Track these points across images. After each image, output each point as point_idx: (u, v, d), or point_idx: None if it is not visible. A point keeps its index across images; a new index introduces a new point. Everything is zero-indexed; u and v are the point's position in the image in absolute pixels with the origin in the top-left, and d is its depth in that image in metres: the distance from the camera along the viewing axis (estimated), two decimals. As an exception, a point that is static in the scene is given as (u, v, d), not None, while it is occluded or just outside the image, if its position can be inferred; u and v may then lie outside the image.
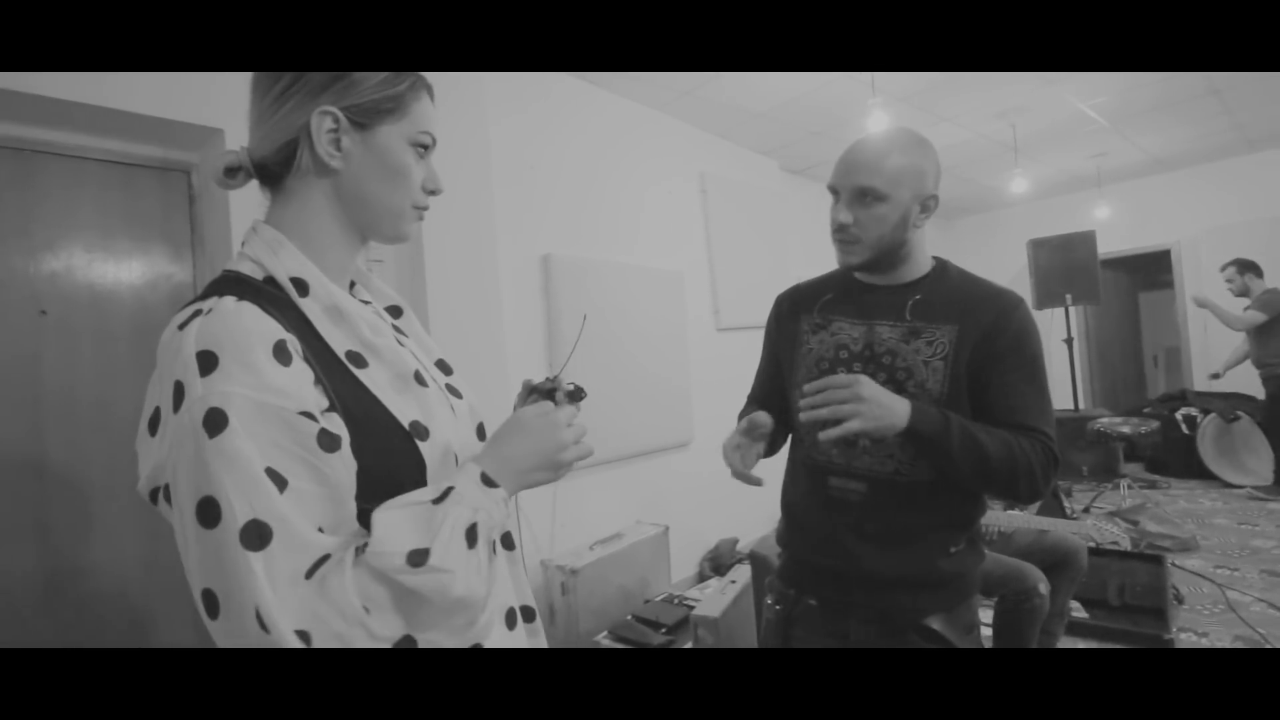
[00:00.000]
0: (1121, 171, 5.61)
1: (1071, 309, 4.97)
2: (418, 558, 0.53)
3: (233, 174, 0.66)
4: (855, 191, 1.03)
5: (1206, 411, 4.64)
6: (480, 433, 0.76)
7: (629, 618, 2.38)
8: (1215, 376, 4.62)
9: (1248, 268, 4.33)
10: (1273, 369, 4.13)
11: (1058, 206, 6.28)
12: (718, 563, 3.25)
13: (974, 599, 1.10)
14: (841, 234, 1.05)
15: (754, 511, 3.75)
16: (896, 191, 1.01)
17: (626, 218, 3.24)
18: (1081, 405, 5.51)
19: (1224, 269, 4.44)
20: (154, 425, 0.55)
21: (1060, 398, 5.91)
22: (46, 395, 1.68)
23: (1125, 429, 4.07)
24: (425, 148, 0.69)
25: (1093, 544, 2.46)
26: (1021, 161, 4.89)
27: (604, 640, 2.28)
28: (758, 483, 1.06)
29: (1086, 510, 3.96)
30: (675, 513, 3.16)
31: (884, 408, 0.89)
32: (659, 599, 2.59)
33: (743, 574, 2.23)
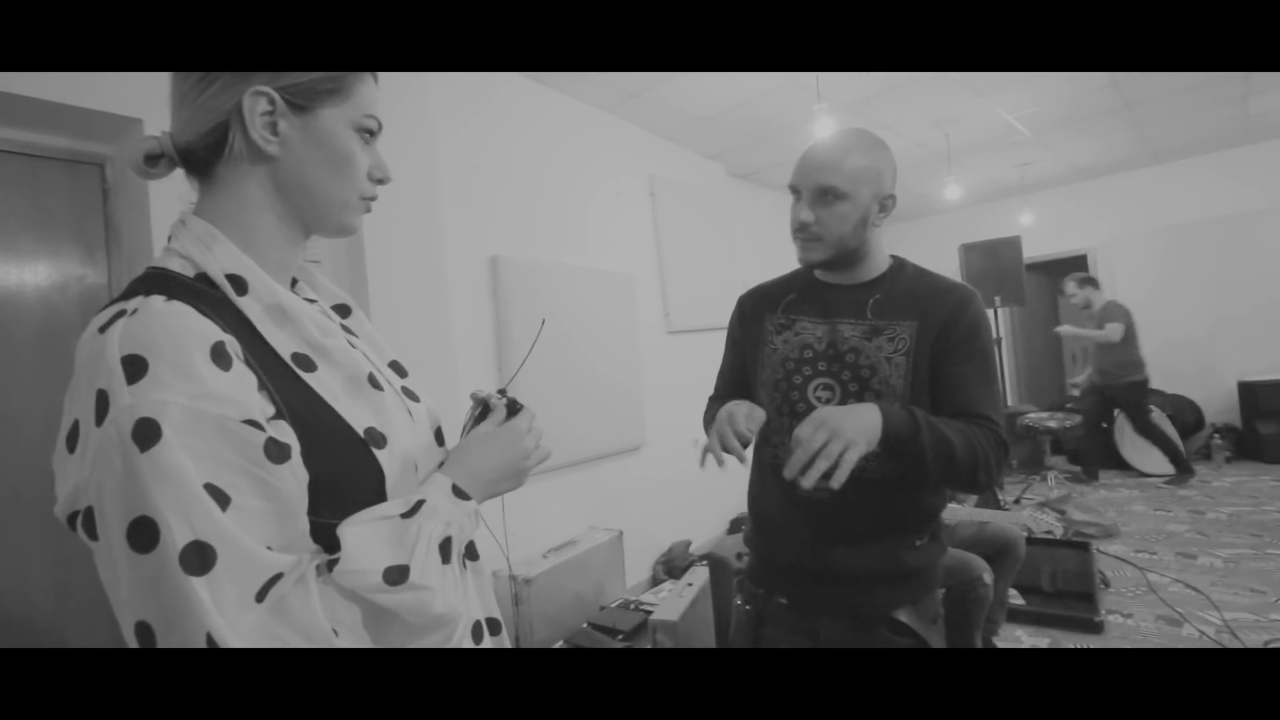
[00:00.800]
0: (1044, 180, 5.95)
1: (1000, 310, 5.23)
2: (395, 575, 0.52)
3: (153, 161, 0.59)
4: (817, 190, 1.04)
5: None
6: (439, 437, 0.71)
7: (585, 625, 2.34)
8: (1075, 387, 5.00)
9: (1087, 281, 4.79)
10: (1116, 377, 4.52)
11: (986, 212, 6.61)
12: (671, 566, 3.24)
13: (938, 591, 1.12)
14: (803, 232, 1.06)
15: (707, 514, 3.76)
16: (857, 190, 1.03)
17: (576, 219, 3.20)
18: (1010, 402, 5.81)
19: (1065, 284, 4.87)
20: (72, 441, 0.49)
21: (991, 395, 6.27)
22: (-64, 410, 1.51)
23: (1051, 423, 4.30)
24: (371, 133, 0.63)
25: (1028, 533, 2.57)
26: (954, 169, 5.12)
27: (562, 649, 2.23)
28: (742, 458, 1.02)
29: (1017, 501, 4.17)
30: (629, 517, 3.14)
31: (858, 422, 0.88)
32: (615, 605, 2.56)
33: (699, 576, 2.23)
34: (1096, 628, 2.50)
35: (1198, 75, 3.69)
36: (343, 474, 0.55)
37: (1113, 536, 3.53)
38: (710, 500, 3.72)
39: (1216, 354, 5.38)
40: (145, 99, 1.73)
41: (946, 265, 6.40)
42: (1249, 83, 3.93)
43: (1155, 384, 5.28)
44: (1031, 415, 4.52)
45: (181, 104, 0.58)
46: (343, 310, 0.72)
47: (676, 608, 2.02)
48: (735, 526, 3.73)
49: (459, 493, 0.60)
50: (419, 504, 0.57)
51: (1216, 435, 5.03)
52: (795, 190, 1.08)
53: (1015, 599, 2.66)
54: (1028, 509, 3.76)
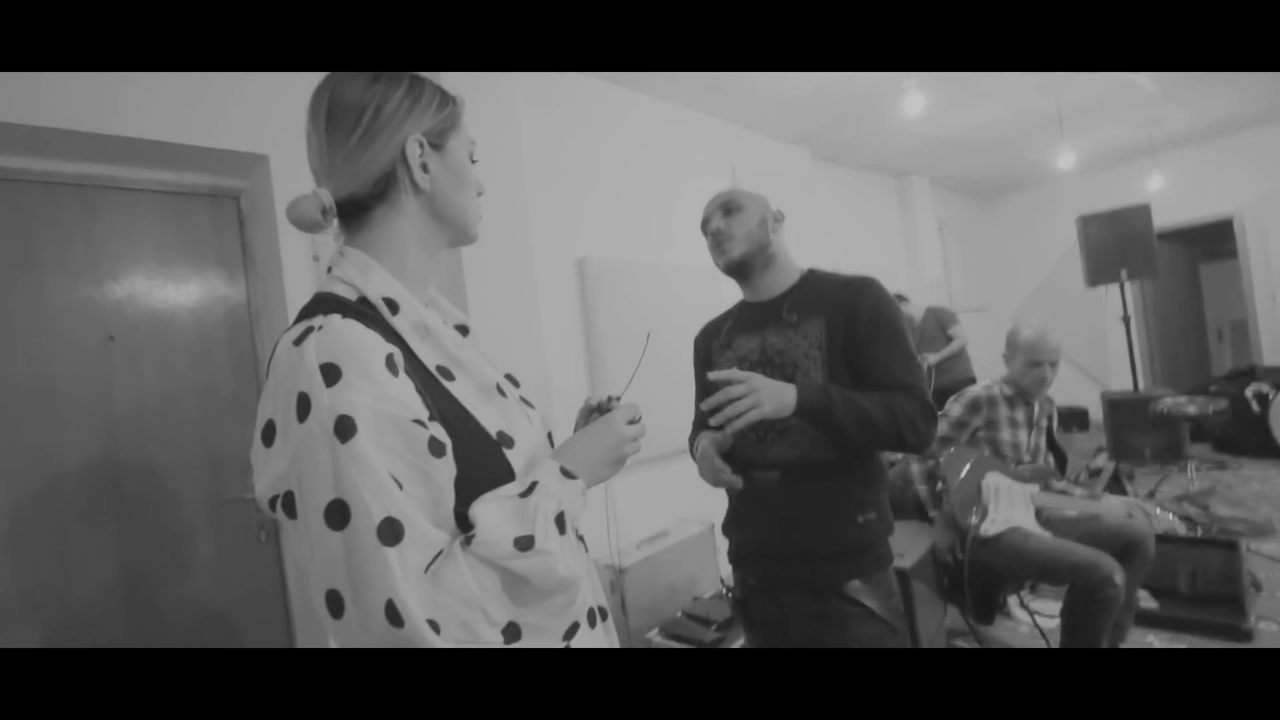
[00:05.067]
0: (1175, 139, 5.34)
1: (1127, 285, 4.76)
2: (524, 543, 0.59)
3: (327, 216, 0.66)
4: (722, 207, 1.31)
5: (1279, 387, 4.38)
6: (550, 440, 0.79)
7: (680, 614, 2.38)
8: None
9: (899, 299, 4.63)
10: (957, 375, 4.34)
11: (1107, 179, 6.02)
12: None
13: (890, 568, 1.22)
14: (719, 236, 1.29)
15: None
16: (750, 204, 1.30)
17: (659, 217, 3.23)
18: (1141, 385, 5.27)
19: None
20: (268, 437, 0.57)
21: (1119, 378, 5.73)
22: (117, 416, 1.77)
23: (1191, 409, 3.87)
24: (474, 154, 0.76)
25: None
26: (1068, 134, 4.70)
27: (656, 638, 2.29)
28: (739, 483, 1.19)
29: (1151, 495, 3.79)
30: (719, 509, 3.14)
31: (775, 392, 1.05)
32: (709, 595, 2.59)
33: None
34: (1244, 635, 2.25)
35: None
36: (481, 471, 0.62)
37: (1266, 535, 3.14)
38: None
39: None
40: (271, 137, 1.93)
41: (1062, 239, 5.93)
42: None
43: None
44: (1168, 400, 4.08)
45: (346, 162, 0.66)
46: (462, 330, 0.80)
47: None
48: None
49: (566, 473, 0.67)
50: (533, 485, 0.64)
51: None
52: (706, 220, 1.33)
53: (1147, 601, 2.44)
54: (1159, 502, 3.42)
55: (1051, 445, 2.34)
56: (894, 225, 5.63)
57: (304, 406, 0.55)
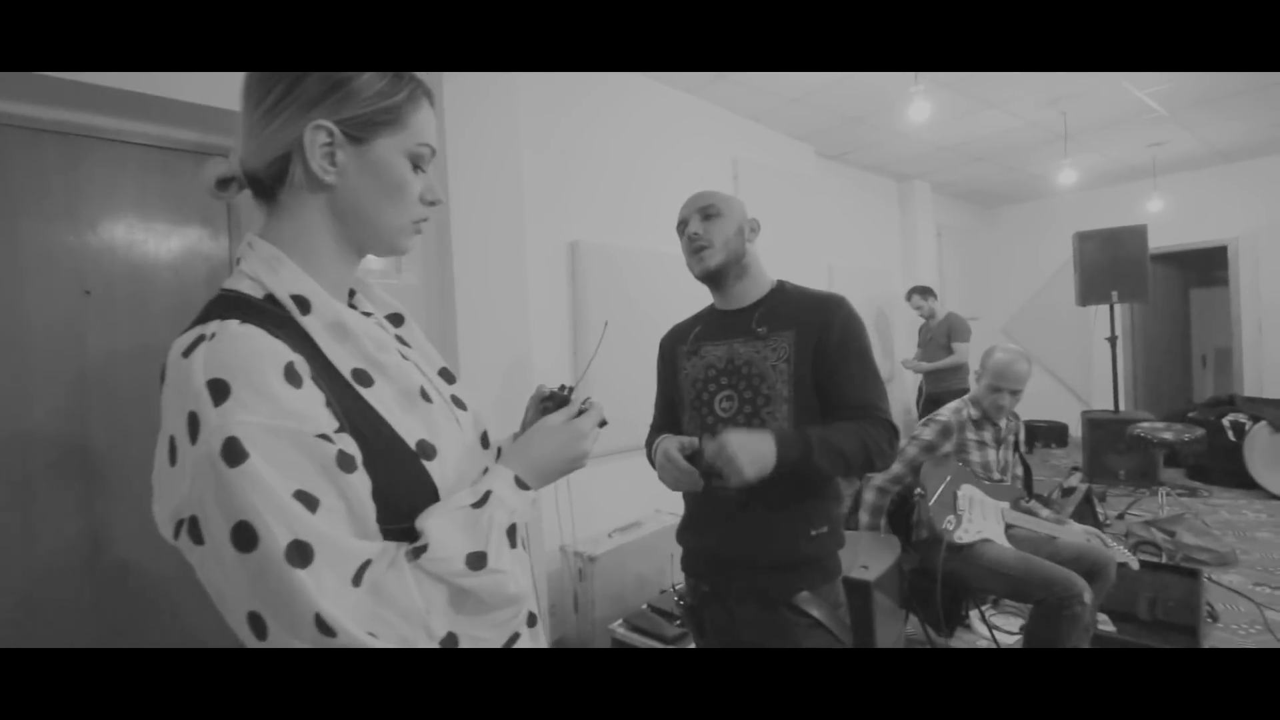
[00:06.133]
0: (1179, 162, 5.34)
1: (1117, 306, 4.79)
2: (476, 561, 0.57)
3: (225, 185, 0.63)
4: (700, 211, 1.30)
5: (1256, 418, 4.44)
6: (485, 440, 0.75)
7: (645, 607, 2.40)
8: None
9: (927, 292, 4.78)
10: (951, 385, 4.41)
11: (1108, 197, 6.03)
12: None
13: (839, 580, 1.25)
14: (696, 241, 1.28)
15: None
16: (729, 209, 1.30)
17: (657, 204, 3.20)
18: (1123, 407, 5.33)
19: (909, 297, 4.83)
20: (173, 455, 0.53)
21: (1101, 398, 5.77)
22: (90, 372, 1.74)
23: (1167, 435, 3.92)
24: (424, 159, 0.66)
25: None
26: (1072, 150, 4.69)
27: (618, 628, 2.31)
28: (700, 485, 1.19)
29: (1121, 517, 3.85)
30: (696, 502, 3.16)
31: (754, 454, 1.04)
32: (678, 587, 2.61)
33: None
34: (1197, 663, 2.29)
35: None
36: (396, 483, 0.59)
37: (1229, 565, 3.20)
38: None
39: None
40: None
41: (1058, 254, 5.94)
42: None
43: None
44: (1144, 424, 4.14)
45: (249, 135, 0.61)
46: (396, 320, 0.76)
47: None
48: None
49: (520, 484, 0.65)
50: (487, 494, 0.61)
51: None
52: (684, 222, 1.32)
53: (1105, 625, 2.49)
54: (1128, 525, 3.47)
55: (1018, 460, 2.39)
56: (893, 228, 5.62)
57: (194, 427, 0.50)
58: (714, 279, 1.31)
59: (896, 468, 2.23)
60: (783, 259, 3.94)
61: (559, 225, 2.78)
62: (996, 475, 2.24)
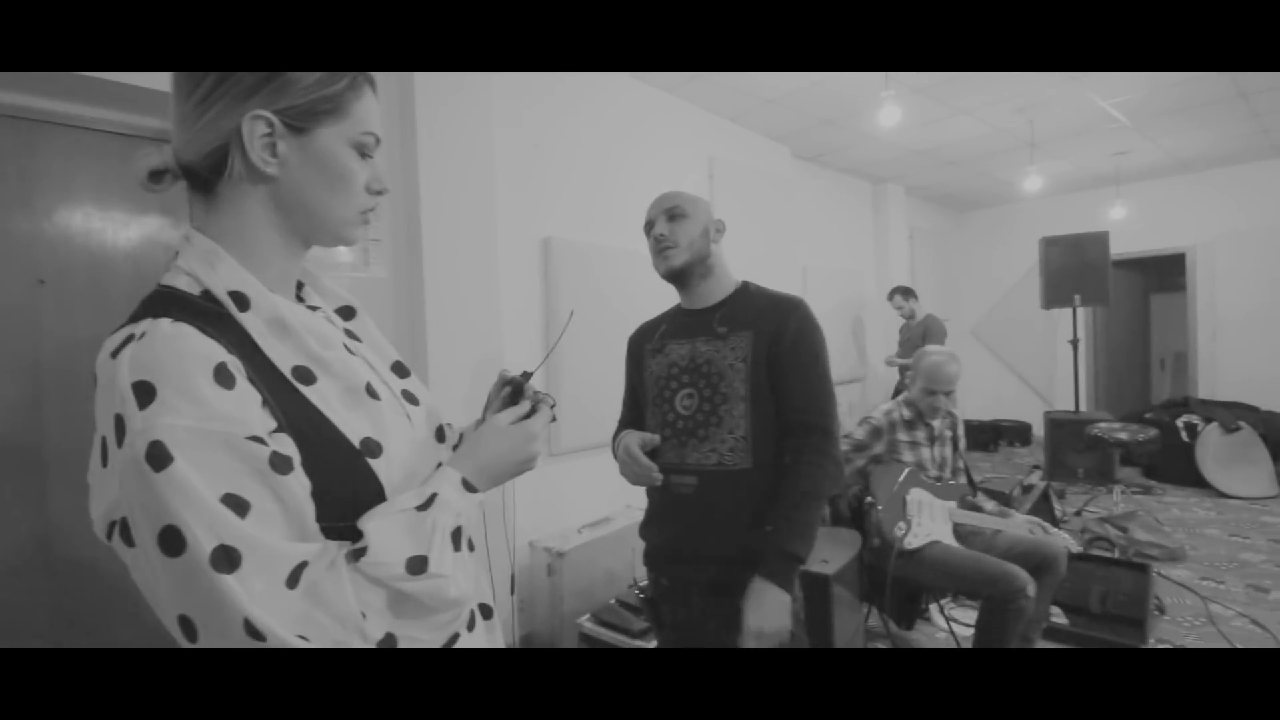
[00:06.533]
0: (1141, 171, 5.51)
1: (1080, 309, 4.93)
2: (417, 565, 0.57)
3: (158, 178, 0.61)
4: (667, 212, 1.32)
5: (1208, 420, 4.61)
6: (439, 435, 0.74)
7: (613, 602, 2.42)
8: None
9: (908, 293, 4.95)
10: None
11: (1073, 204, 6.19)
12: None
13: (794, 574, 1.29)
14: (662, 242, 1.31)
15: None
16: (695, 210, 1.33)
17: (632, 202, 3.20)
18: (1084, 407, 5.49)
19: (891, 297, 5.00)
20: (105, 456, 0.52)
21: (1062, 399, 5.94)
22: (45, 364, 1.70)
23: (1123, 435, 4.05)
24: (369, 148, 0.64)
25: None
26: (1039, 158, 4.81)
27: (585, 623, 2.32)
28: (659, 480, 1.25)
29: (1078, 513, 3.97)
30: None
31: (775, 621, 1.13)
32: (639, 581, 2.63)
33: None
34: (1143, 655, 2.38)
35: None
36: (340, 483, 0.58)
37: (1178, 560, 3.32)
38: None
39: (1327, 370, 4.91)
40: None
41: (1025, 258, 6.09)
42: (1394, 71, 3.50)
43: (1253, 399, 4.88)
44: (1102, 424, 4.27)
45: (182, 125, 0.59)
46: (346, 313, 0.74)
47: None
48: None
49: (468, 486, 0.64)
50: (432, 497, 0.60)
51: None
52: (650, 222, 1.35)
53: (1058, 617, 2.57)
54: (1085, 522, 3.58)
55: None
56: (866, 229, 5.70)
57: (120, 430, 0.50)
58: (679, 279, 1.34)
59: None
60: (758, 259, 3.99)
61: (532, 221, 2.77)
62: (934, 472, 2.31)
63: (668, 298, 1.46)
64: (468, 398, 2.27)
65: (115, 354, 0.52)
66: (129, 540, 0.52)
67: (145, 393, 0.49)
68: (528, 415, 0.74)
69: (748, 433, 1.23)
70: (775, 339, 1.23)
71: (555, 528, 2.68)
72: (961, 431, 2.46)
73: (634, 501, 3.06)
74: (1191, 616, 2.73)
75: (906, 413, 2.34)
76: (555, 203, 2.88)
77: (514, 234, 2.67)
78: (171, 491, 0.48)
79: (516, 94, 2.70)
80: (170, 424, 0.49)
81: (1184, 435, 4.66)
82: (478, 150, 2.39)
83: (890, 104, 2.99)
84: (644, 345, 1.42)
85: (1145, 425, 4.38)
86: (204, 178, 0.60)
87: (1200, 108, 4.02)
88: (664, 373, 1.34)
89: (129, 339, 0.52)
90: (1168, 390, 6.93)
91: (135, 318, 0.55)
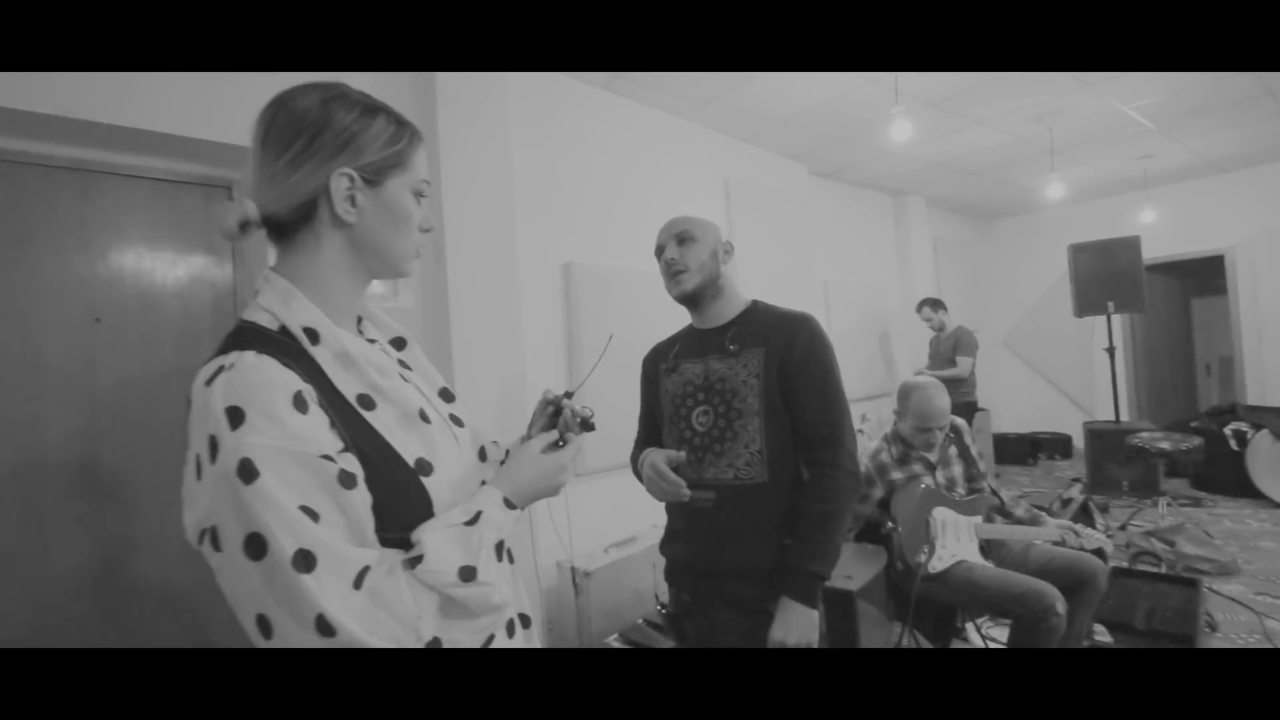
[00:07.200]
0: (1170, 174, 5.39)
1: (1115, 317, 4.81)
2: (468, 573, 0.64)
3: (245, 229, 0.68)
4: (676, 237, 1.38)
5: (1258, 427, 4.43)
6: (482, 455, 0.82)
7: (640, 621, 2.42)
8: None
9: (937, 305, 4.88)
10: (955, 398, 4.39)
11: (1101, 209, 6.07)
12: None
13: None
14: (673, 266, 1.36)
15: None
16: (704, 234, 1.37)
17: (650, 226, 3.27)
18: (1125, 417, 5.32)
19: (920, 309, 4.94)
20: (198, 472, 0.60)
21: (1101, 408, 5.76)
22: (100, 398, 1.82)
23: (1165, 444, 3.92)
24: (423, 194, 0.75)
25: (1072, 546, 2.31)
26: (1061, 164, 4.75)
27: (613, 642, 2.33)
28: (686, 496, 1.25)
29: (1123, 528, 3.84)
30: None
31: (803, 629, 1.16)
32: (661, 597, 2.63)
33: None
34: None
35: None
36: (396, 497, 0.66)
37: (1230, 574, 3.18)
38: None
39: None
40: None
41: (1054, 267, 5.97)
42: None
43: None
44: (1142, 434, 4.14)
45: (271, 182, 0.67)
46: (399, 343, 0.83)
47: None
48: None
49: (508, 504, 0.72)
50: (478, 514, 0.68)
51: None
52: (661, 247, 1.40)
53: (1102, 635, 2.48)
54: (1129, 536, 3.46)
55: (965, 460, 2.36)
56: (889, 242, 5.67)
57: (214, 448, 0.57)
58: (691, 301, 1.39)
59: None
60: (779, 276, 4.01)
61: (553, 248, 2.85)
62: (945, 493, 2.23)
63: (686, 319, 1.50)
64: (495, 421, 2.33)
65: (209, 382, 0.60)
66: (217, 545, 0.59)
67: (236, 416, 0.57)
68: (558, 443, 0.82)
69: (763, 447, 1.26)
70: (785, 355, 1.27)
71: (581, 548, 2.70)
72: (970, 439, 2.40)
73: (659, 521, 3.07)
74: (1245, 633, 2.61)
75: (895, 450, 2.28)
76: (576, 229, 2.95)
77: (535, 260, 2.75)
78: (258, 502, 0.56)
79: (535, 125, 2.80)
80: (257, 443, 0.57)
81: (1233, 443, 4.48)
82: (499, 181, 2.48)
83: (901, 119, 3.01)
84: (659, 365, 1.47)
85: (1189, 434, 4.23)
86: (286, 226, 0.69)
87: (1228, 107, 3.94)
88: (679, 391, 1.38)
89: (220, 369, 0.60)
90: (1215, 397, 6.67)
91: (224, 349, 0.63)
